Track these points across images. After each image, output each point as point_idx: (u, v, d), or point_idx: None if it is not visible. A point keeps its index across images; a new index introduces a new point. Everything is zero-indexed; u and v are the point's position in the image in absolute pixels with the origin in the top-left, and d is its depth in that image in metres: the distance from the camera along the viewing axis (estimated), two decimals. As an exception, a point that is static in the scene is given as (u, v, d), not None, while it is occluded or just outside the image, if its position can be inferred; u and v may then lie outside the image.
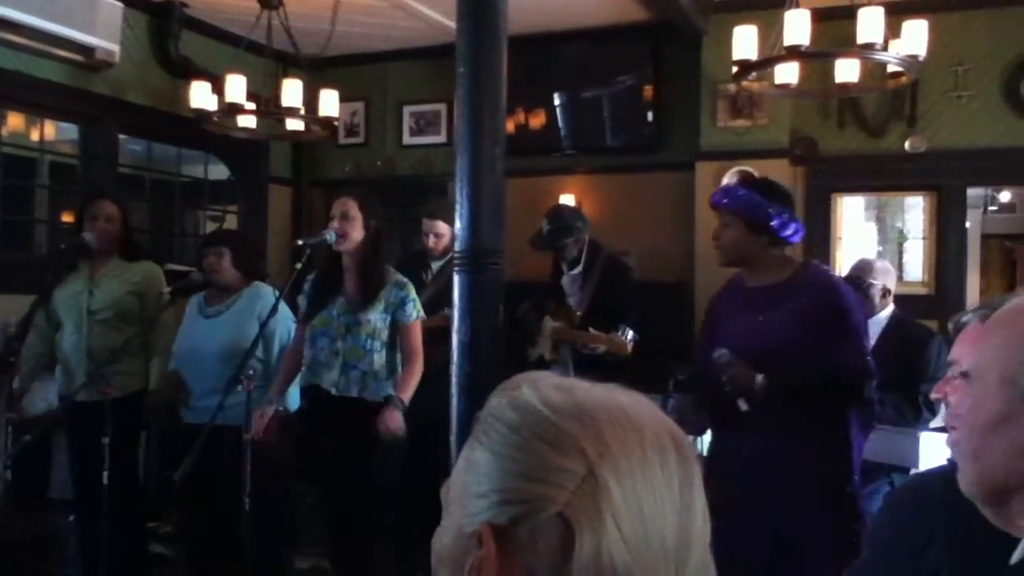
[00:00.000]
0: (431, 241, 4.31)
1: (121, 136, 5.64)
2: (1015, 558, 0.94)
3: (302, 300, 3.68)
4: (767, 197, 2.86)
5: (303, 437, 3.66)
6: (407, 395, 3.50)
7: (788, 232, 2.85)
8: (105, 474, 3.41)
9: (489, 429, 0.75)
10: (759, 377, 2.74)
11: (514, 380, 0.78)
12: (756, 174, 5.37)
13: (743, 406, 2.80)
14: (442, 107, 6.46)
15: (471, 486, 0.74)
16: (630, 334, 3.92)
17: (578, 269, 4.36)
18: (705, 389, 3.02)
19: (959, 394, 1.03)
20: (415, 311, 3.57)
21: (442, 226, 4.27)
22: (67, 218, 6.00)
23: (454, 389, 2.45)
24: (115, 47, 5.02)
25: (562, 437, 0.71)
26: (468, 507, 0.73)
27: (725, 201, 2.90)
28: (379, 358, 3.52)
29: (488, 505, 0.72)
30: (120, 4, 5.06)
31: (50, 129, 6.05)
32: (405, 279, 3.64)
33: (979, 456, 0.99)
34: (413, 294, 3.59)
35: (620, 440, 0.70)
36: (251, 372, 3.13)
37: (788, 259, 2.94)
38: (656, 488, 0.70)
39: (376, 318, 3.51)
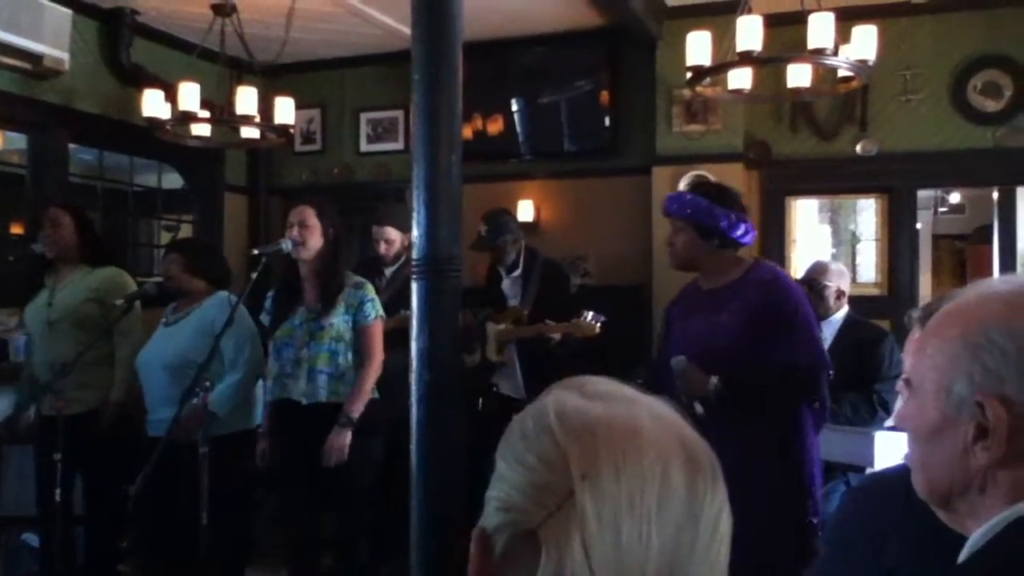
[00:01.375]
0: (382, 248, 4.34)
1: (72, 145, 5.54)
2: (962, 558, 0.96)
3: (265, 318, 3.68)
4: (714, 201, 2.91)
5: (273, 454, 3.65)
6: (357, 408, 3.49)
7: (738, 233, 2.90)
8: (58, 492, 3.33)
9: (510, 434, 0.75)
10: (712, 380, 2.78)
11: (562, 382, 0.77)
12: (712, 178, 5.43)
13: (699, 409, 2.83)
14: (399, 114, 6.44)
15: (490, 488, 0.74)
16: (591, 315, 4.02)
17: (517, 272, 4.48)
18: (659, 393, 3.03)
19: (905, 401, 1.05)
20: (374, 311, 3.58)
21: (392, 232, 4.31)
22: (16, 229, 5.87)
23: (413, 397, 2.44)
24: (64, 55, 4.92)
25: (555, 454, 0.69)
26: (485, 507, 0.74)
27: (674, 208, 2.95)
28: (345, 361, 3.53)
29: (491, 510, 0.72)
30: (69, 11, 4.97)
31: (-2, 138, 5.93)
32: (363, 280, 3.67)
33: (925, 465, 1.01)
34: (372, 294, 3.61)
35: (613, 462, 0.67)
36: (207, 384, 3.09)
37: (739, 260, 2.99)
38: (642, 515, 0.66)
39: (339, 321, 3.53)
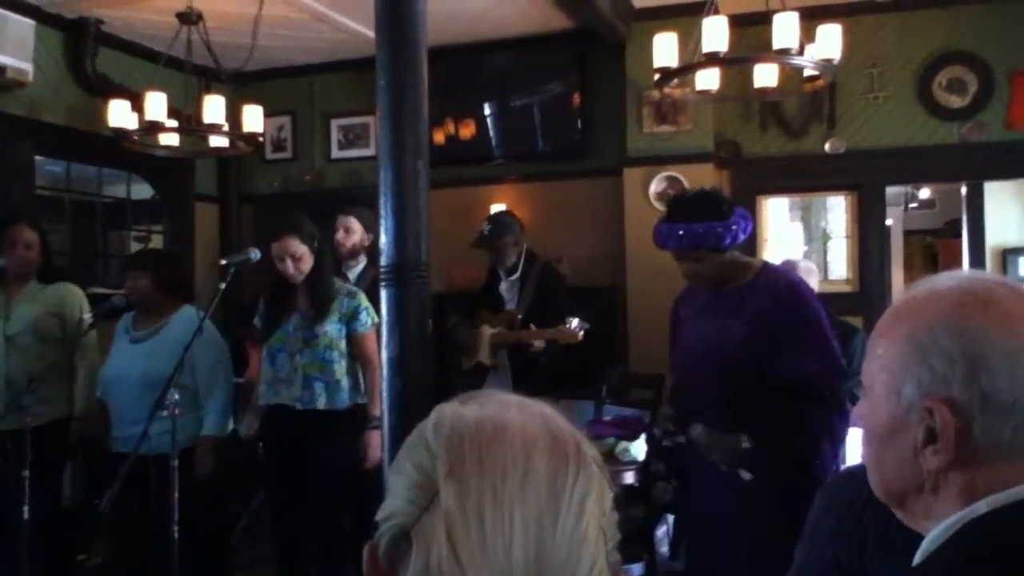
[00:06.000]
0: (340, 235, 4.28)
1: (38, 157, 5.47)
2: (917, 559, 0.95)
3: (259, 322, 3.75)
4: (721, 217, 2.77)
5: (265, 460, 3.75)
6: (379, 408, 3.52)
7: (743, 236, 2.80)
8: (26, 508, 3.28)
9: (401, 449, 0.78)
10: (743, 443, 2.68)
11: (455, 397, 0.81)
12: (684, 180, 5.46)
13: (745, 476, 2.72)
14: (370, 119, 6.39)
15: None
16: (576, 323, 4.05)
17: (516, 276, 4.48)
18: (683, 399, 3.00)
19: (860, 401, 1.05)
20: (369, 319, 3.62)
21: (354, 223, 4.29)
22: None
23: (384, 405, 2.44)
24: (27, 66, 4.86)
25: (426, 458, 0.73)
26: None
27: (688, 241, 2.77)
28: (339, 368, 3.59)
29: (379, 523, 0.75)
30: (31, 21, 4.91)
31: (-38, 151, 5.84)
32: (355, 288, 3.71)
33: (878, 466, 1.00)
34: (365, 302, 3.65)
35: (477, 456, 0.71)
36: (176, 398, 3.06)
37: (748, 263, 2.90)
38: (504, 501, 0.69)
39: (332, 329, 3.58)
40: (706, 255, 2.78)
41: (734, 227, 2.76)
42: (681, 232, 2.77)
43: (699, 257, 2.79)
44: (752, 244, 5.77)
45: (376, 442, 3.52)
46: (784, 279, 2.87)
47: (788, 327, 2.73)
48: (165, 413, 3.03)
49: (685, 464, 3.05)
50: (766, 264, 2.96)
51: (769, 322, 2.74)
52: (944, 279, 0.99)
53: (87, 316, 3.66)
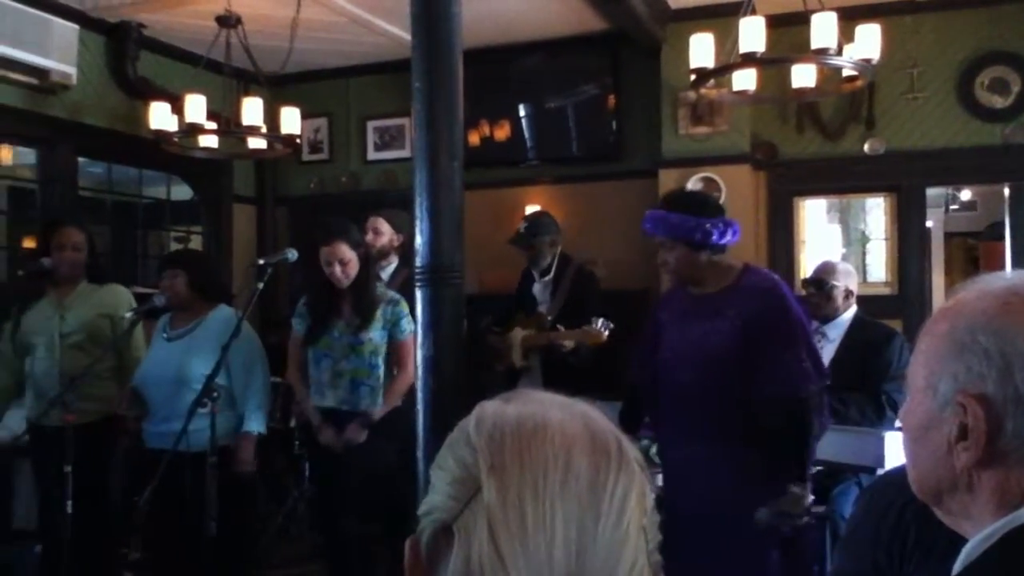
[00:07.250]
0: (369, 237, 4.26)
1: (80, 159, 5.58)
2: (957, 568, 0.94)
3: (297, 322, 3.80)
4: (697, 214, 2.83)
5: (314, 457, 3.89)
6: (380, 413, 3.62)
7: (726, 239, 2.85)
8: (69, 503, 3.34)
9: (443, 446, 0.78)
10: (795, 491, 2.68)
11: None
12: (720, 182, 5.43)
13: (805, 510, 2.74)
14: (406, 121, 6.44)
15: None
16: (600, 322, 4.07)
17: (549, 277, 4.50)
18: (643, 397, 3.05)
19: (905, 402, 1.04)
20: (409, 327, 3.65)
21: (383, 224, 4.30)
22: (28, 243, 5.92)
23: (419, 405, 2.45)
24: (71, 69, 4.97)
25: (468, 453, 0.73)
26: None
27: (660, 229, 2.88)
28: (383, 373, 3.67)
29: (420, 518, 0.76)
30: (75, 26, 5.01)
31: (7, 154, 5.97)
32: (398, 296, 3.75)
33: (915, 462, 1.00)
34: (407, 310, 3.68)
35: (518, 451, 0.71)
36: (216, 395, 3.10)
37: (730, 265, 2.94)
38: (545, 497, 0.70)
39: (376, 336, 3.65)
40: (678, 248, 2.84)
41: (707, 226, 2.80)
42: (657, 218, 2.89)
43: (672, 247, 2.86)
44: (789, 246, 5.73)
45: (354, 436, 3.57)
46: (768, 280, 2.90)
47: (769, 330, 2.77)
48: (205, 410, 3.07)
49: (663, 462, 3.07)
50: (747, 266, 2.98)
51: (752, 324, 2.77)
52: (995, 279, 0.98)
53: (128, 314, 3.71)
